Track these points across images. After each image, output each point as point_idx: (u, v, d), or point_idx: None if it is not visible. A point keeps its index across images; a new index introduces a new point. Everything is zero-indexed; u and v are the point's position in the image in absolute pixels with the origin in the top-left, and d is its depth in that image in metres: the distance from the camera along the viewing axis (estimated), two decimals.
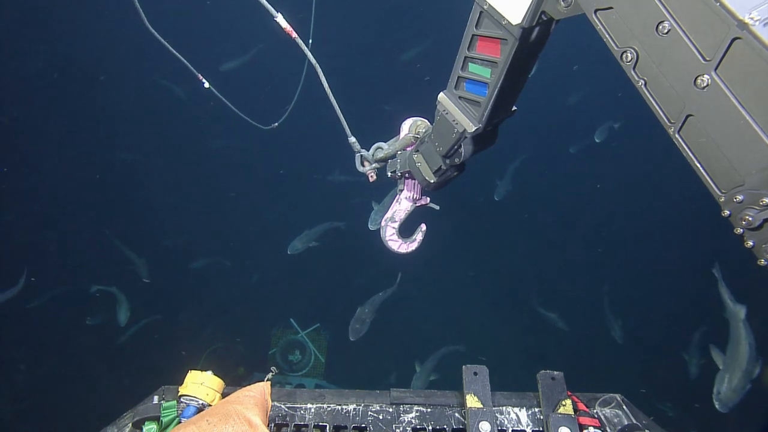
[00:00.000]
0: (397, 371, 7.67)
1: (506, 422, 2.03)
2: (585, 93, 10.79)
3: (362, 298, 8.45)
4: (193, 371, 2.07)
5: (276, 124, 2.97)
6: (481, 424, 1.95)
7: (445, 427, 2.03)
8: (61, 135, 9.99)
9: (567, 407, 2.00)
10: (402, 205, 2.48)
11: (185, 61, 2.80)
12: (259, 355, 7.93)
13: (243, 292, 9.00)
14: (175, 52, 2.73)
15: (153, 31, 2.68)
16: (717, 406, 5.83)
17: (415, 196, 2.47)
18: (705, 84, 1.06)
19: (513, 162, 9.64)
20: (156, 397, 2.07)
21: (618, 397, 2.14)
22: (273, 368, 2.27)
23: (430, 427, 2.03)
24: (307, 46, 2.27)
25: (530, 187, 10.00)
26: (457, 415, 2.07)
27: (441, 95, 1.84)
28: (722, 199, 1.14)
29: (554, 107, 10.90)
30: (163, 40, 2.69)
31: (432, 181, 2.19)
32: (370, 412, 2.08)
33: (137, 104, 10.46)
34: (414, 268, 7.88)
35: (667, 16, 1.08)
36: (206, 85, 2.93)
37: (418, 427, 2.04)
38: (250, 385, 2.08)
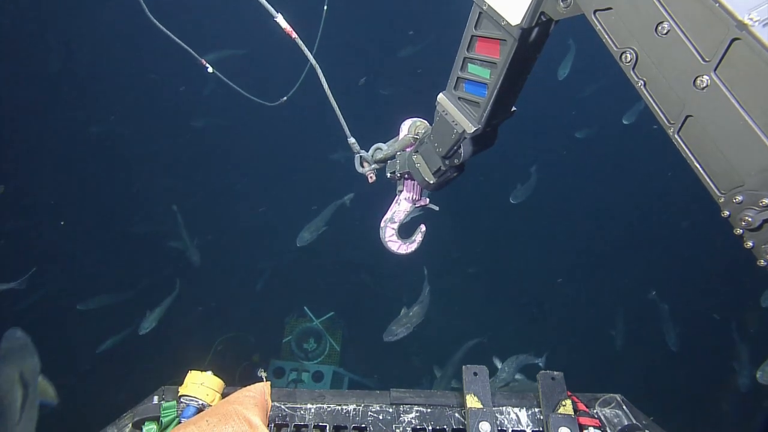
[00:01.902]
0: (406, 362, 7.72)
1: (506, 422, 2.03)
2: (599, 85, 10.72)
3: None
4: (193, 371, 2.07)
5: (285, 98, 2.91)
6: (481, 424, 1.95)
7: (445, 427, 2.03)
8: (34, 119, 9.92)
9: (567, 407, 2.00)
10: (401, 206, 2.48)
11: (188, 48, 2.77)
12: (273, 344, 7.91)
13: (251, 283, 8.96)
14: (177, 39, 2.70)
15: (153, 19, 2.65)
16: (758, 376, 6.03)
17: (414, 196, 2.47)
18: (704, 85, 1.06)
19: (533, 164, 9.56)
20: (156, 397, 2.07)
21: (618, 397, 2.14)
22: (261, 370, 2.26)
23: (430, 427, 2.03)
24: (316, 42, 2.25)
25: (543, 188, 9.93)
26: (457, 415, 2.07)
27: (440, 96, 1.84)
28: (722, 200, 1.14)
29: (568, 101, 10.85)
30: (164, 29, 2.66)
31: (431, 182, 2.19)
32: (370, 413, 2.08)
33: (124, 88, 10.48)
34: (433, 264, 7.82)
35: (667, 16, 1.08)
36: (210, 69, 2.90)
37: (418, 427, 2.04)
38: (251, 384, 2.08)
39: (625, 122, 9.46)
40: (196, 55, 2.81)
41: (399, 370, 7.83)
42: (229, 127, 10.34)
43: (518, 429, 2.02)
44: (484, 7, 1.48)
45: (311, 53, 2.32)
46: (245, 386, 2.07)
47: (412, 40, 10.60)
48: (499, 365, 6.57)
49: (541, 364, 6.78)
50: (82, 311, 7.73)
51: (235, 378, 7.15)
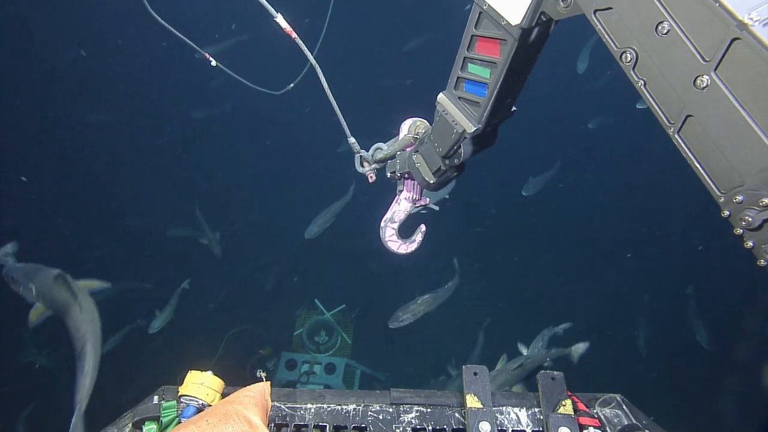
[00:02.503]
0: (417, 355, 7.76)
1: (506, 422, 2.03)
2: (611, 75, 10.67)
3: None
4: (193, 371, 2.07)
5: (291, 85, 2.87)
6: (481, 424, 1.95)
7: (445, 427, 2.03)
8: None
9: (567, 407, 2.00)
10: (401, 206, 2.48)
11: (191, 42, 2.75)
12: (285, 337, 7.93)
13: (261, 276, 8.97)
14: (180, 35, 2.69)
15: (155, 15, 2.64)
16: None
17: (414, 196, 2.47)
18: (704, 84, 1.06)
19: (554, 161, 9.57)
20: (156, 397, 2.07)
21: (618, 397, 2.14)
22: (260, 370, 2.27)
23: (430, 427, 2.03)
24: (322, 33, 2.23)
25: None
26: (457, 415, 2.07)
27: (440, 96, 1.84)
28: (722, 200, 1.14)
29: (582, 92, 10.82)
30: (166, 24, 2.65)
31: (431, 182, 2.19)
32: (370, 412, 2.08)
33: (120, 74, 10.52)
34: (443, 260, 7.82)
35: (667, 16, 1.08)
36: (213, 63, 2.88)
37: (418, 427, 2.04)
38: (251, 384, 2.08)
39: (639, 107, 9.28)
40: (198, 49, 2.80)
41: (411, 362, 7.86)
42: (233, 118, 10.35)
43: (518, 429, 2.02)
44: (485, 7, 1.48)
45: (317, 44, 2.31)
46: (246, 385, 2.07)
47: (414, 35, 10.63)
48: (524, 351, 6.51)
49: (561, 330, 6.72)
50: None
51: (245, 371, 7.16)
